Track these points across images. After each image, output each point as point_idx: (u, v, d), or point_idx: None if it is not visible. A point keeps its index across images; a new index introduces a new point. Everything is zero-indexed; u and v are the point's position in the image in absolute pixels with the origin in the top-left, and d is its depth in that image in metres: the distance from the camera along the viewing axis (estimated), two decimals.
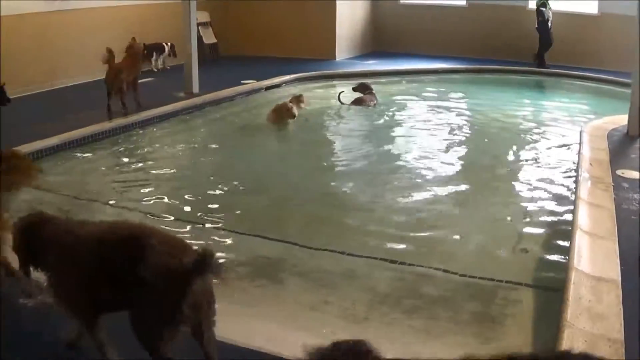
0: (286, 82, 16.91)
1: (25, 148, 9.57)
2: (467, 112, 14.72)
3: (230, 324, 5.12)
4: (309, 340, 5.01)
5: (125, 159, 10.44)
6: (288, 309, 5.79)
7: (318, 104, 14.06)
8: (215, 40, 20.37)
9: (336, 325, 5.45)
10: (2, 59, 12.04)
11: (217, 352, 4.26)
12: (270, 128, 12.61)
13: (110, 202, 8.44)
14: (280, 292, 6.19)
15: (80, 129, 10.93)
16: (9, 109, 10.71)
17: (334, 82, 17.48)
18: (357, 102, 14.25)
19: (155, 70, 17.17)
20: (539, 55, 19.89)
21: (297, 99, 12.90)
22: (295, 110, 12.48)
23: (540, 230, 7.61)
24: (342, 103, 14.27)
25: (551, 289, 5.88)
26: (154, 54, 17.62)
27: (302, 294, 6.10)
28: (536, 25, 19.68)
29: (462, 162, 10.69)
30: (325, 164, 10.66)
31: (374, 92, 14.69)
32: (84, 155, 10.46)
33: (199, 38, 17.73)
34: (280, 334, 5.14)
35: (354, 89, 14.78)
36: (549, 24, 19.60)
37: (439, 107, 14.88)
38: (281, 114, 12.45)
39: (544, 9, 19.38)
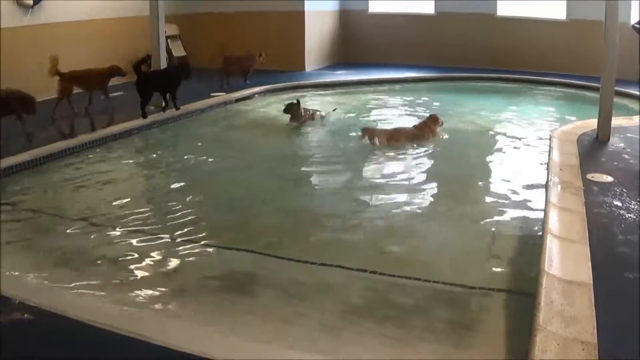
0: (256, 94, 16.92)
1: None
2: None
3: (204, 339, 5.11)
4: (282, 352, 5.06)
5: (95, 174, 10.31)
6: (261, 321, 5.71)
7: (287, 116, 13.97)
8: (184, 53, 20.36)
9: (309, 337, 5.43)
10: None
11: None
12: (240, 140, 12.62)
13: (79, 217, 8.34)
14: (253, 304, 6.11)
15: (51, 145, 10.88)
16: None
17: (304, 93, 17.49)
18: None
19: None
20: None
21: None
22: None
23: (511, 236, 7.59)
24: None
25: (523, 293, 5.87)
26: None
27: (275, 306, 6.03)
28: None
29: (431, 170, 10.66)
30: (296, 174, 10.62)
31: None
32: (55, 171, 10.38)
33: (168, 51, 17.71)
34: (253, 346, 5.10)
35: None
36: None
37: (407, 115, 14.92)
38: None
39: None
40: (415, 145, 11.85)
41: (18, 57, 14.50)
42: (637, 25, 18.44)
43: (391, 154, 11.44)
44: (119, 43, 17.23)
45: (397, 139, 11.96)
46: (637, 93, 16.06)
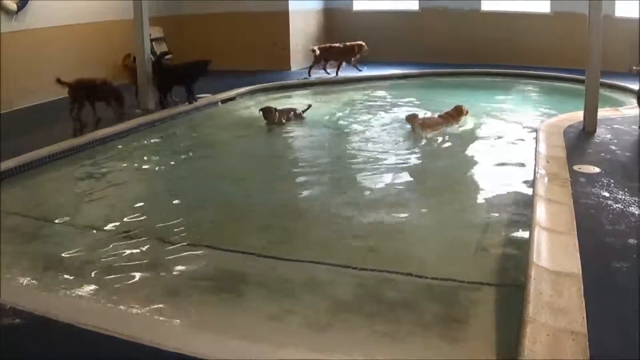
0: (241, 95, 16.89)
1: None
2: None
3: (194, 338, 5.09)
4: (273, 350, 5.05)
5: (82, 179, 10.31)
6: (251, 320, 5.72)
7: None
8: (170, 55, 20.26)
9: (299, 334, 5.44)
10: None
11: None
12: (226, 141, 12.63)
13: (69, 222, 8.33)
14: (243, 303, 6.12)
15: (36, 151, 10.77)
16: None
17: (290, 93, 17.48)
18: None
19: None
20: None
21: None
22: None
23: (499, 229, 7.63)
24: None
25: (512, 286, 5.88)
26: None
27: (265, 304, 6.02)
28: None
29: (419, 165, 10.71)
30: (283, 174, 10.61)
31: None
32: (41, 176, 10.33)
33: (153, 54, 17.67)
34: (243, 345, 5.09)
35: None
36: None
37: (394, 112, 14.90)
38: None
39: None
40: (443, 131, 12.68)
41: (6, 63, 14.44)
42: None
43: (376, 150, 11.47)
44: (105, 46, 17.18)
45: (432, 127, 12.66)
46: (623, 85, 16.13)
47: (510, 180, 9.47)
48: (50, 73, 12.97)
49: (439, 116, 13.24)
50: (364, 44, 19.75)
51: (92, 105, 13.22)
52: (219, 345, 5.09)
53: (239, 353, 4.94)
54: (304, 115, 14.07)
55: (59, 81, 12.58)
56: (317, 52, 19.66)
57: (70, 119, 12.67)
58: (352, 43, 19.88)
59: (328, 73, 19.92)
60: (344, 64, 20.07)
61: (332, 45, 20.04)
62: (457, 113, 13.30)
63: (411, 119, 13.06)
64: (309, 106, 14.42)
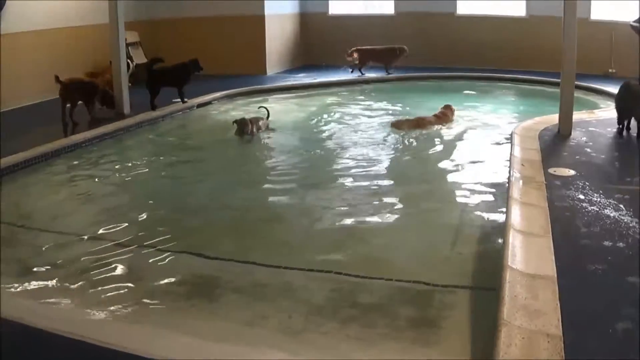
0: (217, 99, 16.88)
1: None
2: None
3: (167, 344, 5.06)
4: (247, 354, 5.02)
5: (57, 185, 10.20)
6: (225, 325, 5.68)
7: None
8: (145, 60, 20.20)
9: (273, 339, 5.40)
10: None
11: None
12: (202, 146, 12.59)
13: (44, 227, 8.23)
14: (217, 309, 6.06)
15: (11, 156, 10.69)
16: None
17: (266, 97, 17.46)
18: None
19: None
20: None
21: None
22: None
23: (474, 233, 7.63)
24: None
25: (487, 289, 5.87)
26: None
27: (239, 309, 5.98)
28: None
29: (393, 169, 10.75)
30: (257, 179, 10.57)
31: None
32: (16, 182, 10.23)
33: (130, 58, 17.64)
34: (217, 350, 5.06)
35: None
36: None
37: (369, 116, 14.92)
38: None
39: None
40: (438, 128, 13.35)
41: None
42: (636, 24, 17.95)
43: (353, 155, 11.46)
44: (81, 51, 17.10)
45: (422, 127, 13.21)
46: (599, 87, 16.28)
47: (486, 183, 9.48)
48: (22, 78, 12.89)
49: (434, 115, 13.68)
50: (405, 47, 20.38)
51: (86, 105, 13.81)
52: (193, 350, 5.05)
53: (213, 357, 4.91)
54: (267, 122, 13.90)
55: (57, 79, 13.01)
56: (355, 54, 20.53)
57: (58, 122, 12.75)
58: (394, 46, 20.73)
59: (362, 73, 20.88)
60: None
61: (373, 47, 20.74)
62: (450, 111, 13.88)
63: (397, 123, 13.41)
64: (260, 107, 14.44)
